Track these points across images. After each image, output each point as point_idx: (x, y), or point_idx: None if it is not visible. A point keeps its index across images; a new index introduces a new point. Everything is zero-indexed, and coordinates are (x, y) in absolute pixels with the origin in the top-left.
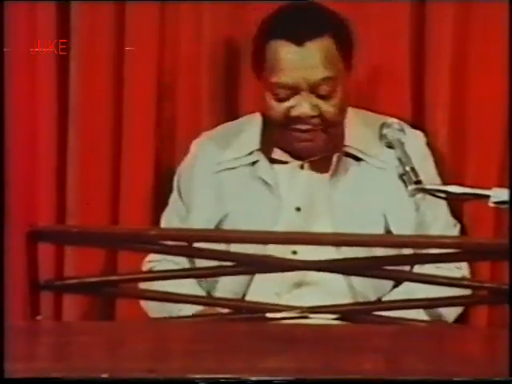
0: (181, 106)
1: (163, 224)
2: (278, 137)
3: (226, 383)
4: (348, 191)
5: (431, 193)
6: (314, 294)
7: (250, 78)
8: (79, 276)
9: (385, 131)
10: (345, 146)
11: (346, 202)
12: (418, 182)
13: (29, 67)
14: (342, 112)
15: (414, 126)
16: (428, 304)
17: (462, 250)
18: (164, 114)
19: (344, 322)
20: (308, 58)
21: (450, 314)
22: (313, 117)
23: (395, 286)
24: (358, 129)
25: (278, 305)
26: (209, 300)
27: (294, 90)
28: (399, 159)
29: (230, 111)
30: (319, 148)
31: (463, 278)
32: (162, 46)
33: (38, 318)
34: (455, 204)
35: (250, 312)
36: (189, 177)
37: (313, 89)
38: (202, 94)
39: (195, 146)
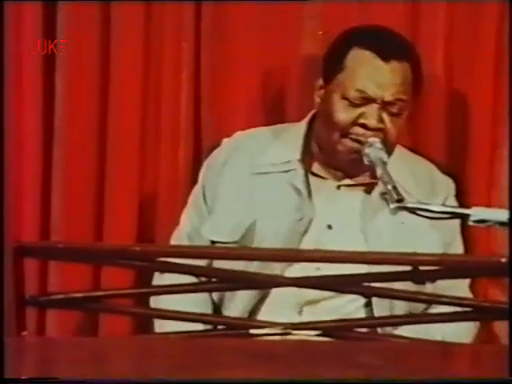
0: (165, 115)
1: (182, 221)
2: (325, 145)
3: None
4: (384, 222)
5: (413, 211)
6: (329, 311)
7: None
8: (64, 291)
9: (367, 150)
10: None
11: (379, 232)
12: (400, 200)
13: (15, 71)
14: (399, 136)
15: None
16: (414, 320)
17: (442, 268)
18: (149, 123)
19: (327, 339)
20: (391, 76)
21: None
22: (376, 130)
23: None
24: (404, 167)
25: (261, 321)
26: (193, 316)
27: (368, 101)
28: (381, 178)
29: (218, 117)
30: (363, 168)
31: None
32: (148, 49)
33: (23, 333)
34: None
35: (233, 328)
36: (217, 174)
37: (386, 105)
38: (186, 106)
39: (230, 142)
